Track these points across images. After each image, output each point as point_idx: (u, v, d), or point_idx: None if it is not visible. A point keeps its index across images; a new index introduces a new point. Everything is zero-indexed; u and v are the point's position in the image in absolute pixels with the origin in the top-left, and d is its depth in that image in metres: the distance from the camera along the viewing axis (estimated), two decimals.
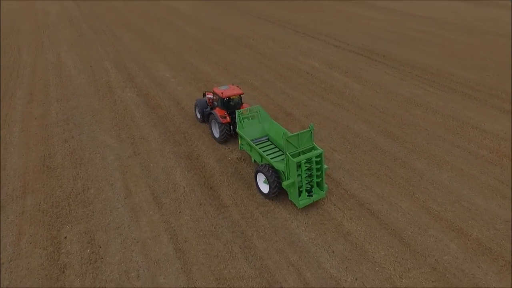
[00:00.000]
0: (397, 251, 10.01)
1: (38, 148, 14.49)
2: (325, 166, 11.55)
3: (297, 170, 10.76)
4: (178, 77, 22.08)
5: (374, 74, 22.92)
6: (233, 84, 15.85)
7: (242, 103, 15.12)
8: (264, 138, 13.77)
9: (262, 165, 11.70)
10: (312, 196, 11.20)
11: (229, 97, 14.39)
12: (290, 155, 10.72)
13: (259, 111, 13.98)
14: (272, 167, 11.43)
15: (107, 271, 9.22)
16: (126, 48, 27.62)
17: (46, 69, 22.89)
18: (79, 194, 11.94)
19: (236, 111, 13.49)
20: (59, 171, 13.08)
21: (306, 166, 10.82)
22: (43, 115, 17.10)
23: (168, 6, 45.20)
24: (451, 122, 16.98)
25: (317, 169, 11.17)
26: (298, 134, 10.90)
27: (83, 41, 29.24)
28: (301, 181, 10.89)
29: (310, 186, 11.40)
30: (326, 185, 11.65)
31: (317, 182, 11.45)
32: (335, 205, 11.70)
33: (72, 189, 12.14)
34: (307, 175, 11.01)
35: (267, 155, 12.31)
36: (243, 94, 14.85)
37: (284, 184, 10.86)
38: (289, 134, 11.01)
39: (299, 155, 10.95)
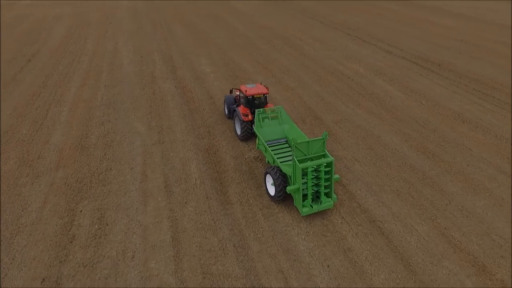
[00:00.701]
0: (399, 277, 9.17)
1: (78, 127, 15.95)
2: (336, 176, 11.00)
3: (304, 177, 10.40)
4: (217, 72, 22.64)
5: (424, 84, 21.14)
6: (261, 83, 15.80)
7: (266, 103, 15.01)
8: (282, 140, 13.54)
9: (271, 166, 11.53)
10: (317, 204, 10.73)
11: (253, 96, 14.38)
12: (298, 160, 10.39)
13: (280, 112, 13.76)
14: (280, 170, 11.19)
15: (107, 248, 9.86)
16: (176, 41, 29.04)
17: (103, 57, 25.05)
18: (102, 173, 12.91)
19: (256, 110, 13.45)
20: (91, 151, 14.26)
21: (313, 174, 10.41)
22: (90, 98, 18.77)
23: (225, 3, 46.46)
24: (503, 144, 15.01)
25: (326, 178, 10.67)
26: (308, 141, 10.53)
27: (141, 33, 31.41)
28: (307, 188, 10.50)
29: (314, 194, 10.93)
30: (335, 196, 11.08)
31: (325, 191, 10.94)
32: (343, 218, 11.08)
33: (97, 168, 13.17)
34: (313, 183, 10.57)
35: (278, 157, 12.09)
36: (268, 93, 14.73)
37: (288, 189, 10.57)
38: (306, 138, 10.68)
39: (308, 161, 10.55)
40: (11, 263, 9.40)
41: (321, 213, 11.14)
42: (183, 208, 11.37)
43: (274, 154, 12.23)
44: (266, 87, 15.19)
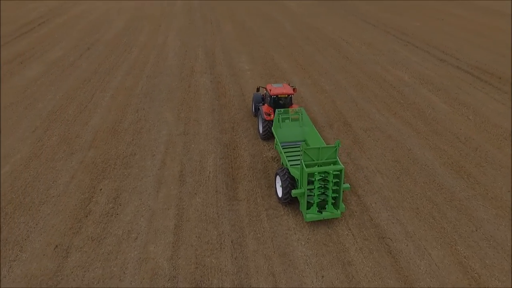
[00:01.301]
0: None
1: (115, 113, 17.18)
2: (346, 185, 10.51)
3: (311, 183, 10.10)
4: (254, 70, 22.81)
5: (476, 97, 19.20)
6: (289, 84, 15.59)
7: (291, 104, 14.78)
8: (300, 143, 13.25)
9: (281, 168, 11.37)
10: (321, 213, 10.35)
11: (277, 95, 14.26)
12: (306, 165, 10.11)
13: (301, 113, 13.48)
14: (289, 173, 10.98)
15: (115, 226, 10.53)
16: (222, 38, 29.77)
17: (151, 49, 26.59)
18: (126, 157, 13.77)
19: (276, 109, 13.32)
20: (121, 135, 15.29)
21: (320, 182, 10.06)
22: (131, 86, 20.08)
23: (279, 3, 46.43)
24: None
25: (335, 187, 10.23)
26: (319, 148, 10.20)
27: (191, 28, 32.72)
28: (313, 194, 10.18)
29: (321, 201, 10.54)
30: (343, 205, 10.60)
31: (333, 201, 10.51)
32: (350, 229, 10.56)
33: (123, 152, 14.08)
34: (321, 191, 10.21)
35: (289, 160, 11.86)
36: (293, 94, 14.49)
37: (293, 192, 10.35)
38: (321, 143, 10.35)
39: (316, 166, 10.21)
40: (34, 228, 10.47)
41: (327, 222, 10.74)
42: (192, 198, 11.71)
43: (287, 156, 12.04)
44: (293, 88, 14.97)
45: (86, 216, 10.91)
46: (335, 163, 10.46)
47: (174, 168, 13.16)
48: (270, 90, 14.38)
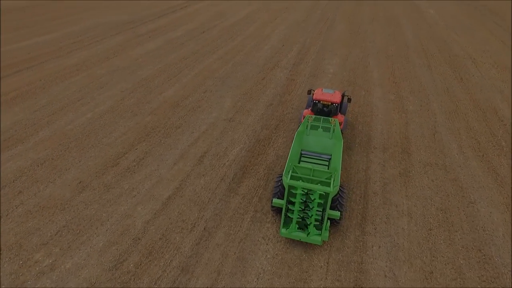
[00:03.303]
0: None
1: (187, 89, 19.11)
2: (335, 213, 9.18)
3: (293, 196, 9.25)
4: (337, 74, 21.39)
5: None
6: (344, 93, 14.14)
7: (336, 113, 13.45)
8: (325, 156, 12.06)
9: (280, 175, 10.70)
10: (301, 232, 9.37)
11: (318, 101, 13.21)
12: (291, 176, 9.30)
13: (334, 125, 12.16)
14: (282, 181, 10.26)
15: (125, 181, 12.09)
16: (327, 37, 28.71)
17: (252, 40, 27.95)
18: (170, 128, 15.34)
19: (308, 115, 12.42)
20: (179, 109, 17.01)
21: (302, 198, 9.09)
22: (215, 69, 21.81)
23: (417, 8, 41.19)
24: None
25: (319, 209, 9.08)
26: (311, 168, 9.20)
27: (303, 24, 32.67)
28: (293, 209, 9.31)
29: (301, 219, 9.51)
30: (326, 234, 9.31)
31: (317, 224, 9.35)
32: (327, 263, 9.28)
33: (171, 123, 15.71)
34: (301, 208, 9.23)
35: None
36: (338, 103, 13.13)
37: (274, 201, 9.69)
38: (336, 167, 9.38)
39: (300, 181, 9.25)
40: (77, 163, 13.02)
41: (308, 245, 9.66)
42: (197, 179, 12.29)
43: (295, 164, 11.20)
44: (348, 98, 13.65)
45: (113, 166, 12.88)
46: (327, 184, 9.23)
47: (201, 148, 13.98)
48: (314, 94, 13.43)
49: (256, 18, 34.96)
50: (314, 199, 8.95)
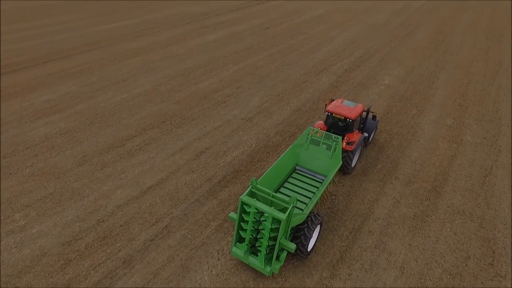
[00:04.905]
0: None
1: (224, 84, 18.91)
2: (291, 244, 7.86)
3: (246, 214, 8.22)
4: (392, 87, 18.65)
5: None
6: (367, 109, 12.10)
7: (352, 131, 11.58)
8: (320, 177, 10.54)
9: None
10: (250, 256, 8.30)
11: (331, 113, 11.54)
12: (249, 193, 8.26)
13: (337, 143, 10.46)
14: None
15: (120, 164, 12.45)
16: (400, 45, 25.37)
17: (313, 40, 26.30)
18: (187, 119, 15.32)
19: (311, 127, 10.94)
20: (204, 102, 16.89)
21: (255, 217, 7.99)
22: (260, 67, 21.13)
23: None
24: None
25: (272, 234, 7.87)
26: (271, 193, 8.04)
27: (379, 28, 29.55)
28: (246, 228, 8.27)
29: (253, 240, 8.39)
30: (277, 266, 8.04)
31: (269, 252, 8.14)
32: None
33: (190, 115, 15.69)
34: (253, 228, 8.12)
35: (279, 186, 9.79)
36: (352, 119, 11.25)
37: (230, 214, 8.73)
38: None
39: (254, 199, 8.10)
40: (91, 139, 13.92)
41: (259, 273, 8.53)
42: (185, 174, 11.98)
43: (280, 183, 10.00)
44: (373, 114, 11.79)
45: (118, 147, 13.41)
46: (284, 209, 7.92)
47: (204, 144, 13.62)
48: (329, 105, 11.80)
49: (329, 18, 33.00)
50: (264, 221, 7.78)
